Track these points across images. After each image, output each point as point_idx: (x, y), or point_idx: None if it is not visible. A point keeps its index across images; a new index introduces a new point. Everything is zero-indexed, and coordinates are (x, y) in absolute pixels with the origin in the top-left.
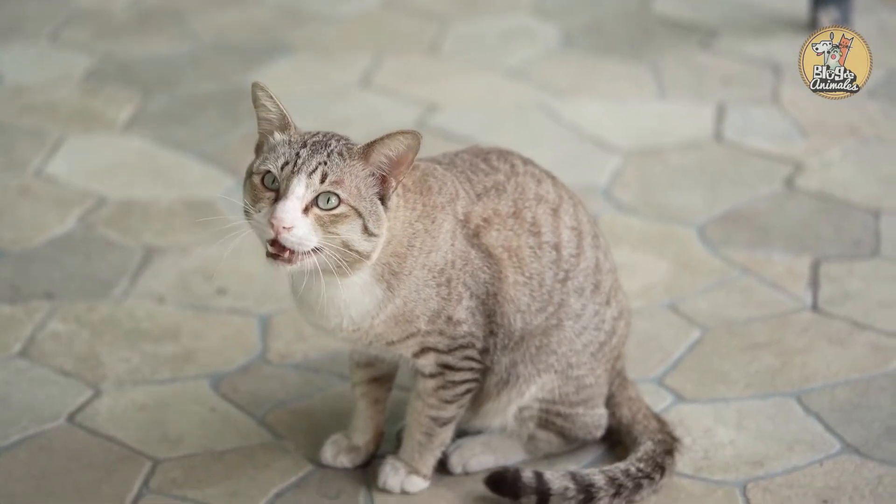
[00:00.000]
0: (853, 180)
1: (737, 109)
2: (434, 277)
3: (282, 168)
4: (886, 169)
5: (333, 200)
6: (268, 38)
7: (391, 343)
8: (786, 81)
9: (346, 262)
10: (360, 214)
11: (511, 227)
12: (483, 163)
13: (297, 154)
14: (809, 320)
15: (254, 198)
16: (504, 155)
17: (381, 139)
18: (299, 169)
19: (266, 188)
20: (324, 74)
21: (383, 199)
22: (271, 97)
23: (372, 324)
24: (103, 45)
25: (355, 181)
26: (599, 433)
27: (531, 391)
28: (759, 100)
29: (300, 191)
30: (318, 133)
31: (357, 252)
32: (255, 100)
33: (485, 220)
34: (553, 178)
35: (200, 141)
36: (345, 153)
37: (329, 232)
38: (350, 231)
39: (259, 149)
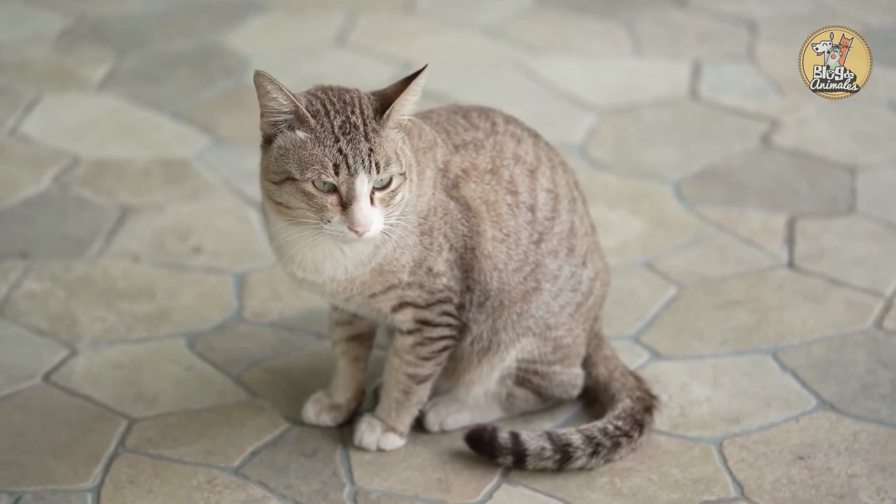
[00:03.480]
0: (829, 137)
1: (712, 66)
2: (419, 225)
3: (336, 172)
4: (862, 126)
5: (388, 180)
6: None
7: (373, 295)
8: (761, 39)
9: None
10: (405, 174)
11: (488, 183)
12: (462, 119)
13: (341, 151)
14: (785, 277)
15: (314, 206)
16: (486, 113)
17: (398, 103)
18: (355, 169)
19: (320, 191)
20: (298, 33)
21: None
22: (281, 89)
23: (364, 270)
24: (77, 3)
25: (394, 146)
26: (576, 392)
27: (511, 355)
28: (735, 57)
29: (364, 188)
30: (328, 110)
31: (404, 203)
32: (262, 90)
33: (463, 170)
34: (536, 137)
35: (174, 100)
36: (377, 128)
37: (390, 205)
38: (404, 191)
39: (268, 142)
